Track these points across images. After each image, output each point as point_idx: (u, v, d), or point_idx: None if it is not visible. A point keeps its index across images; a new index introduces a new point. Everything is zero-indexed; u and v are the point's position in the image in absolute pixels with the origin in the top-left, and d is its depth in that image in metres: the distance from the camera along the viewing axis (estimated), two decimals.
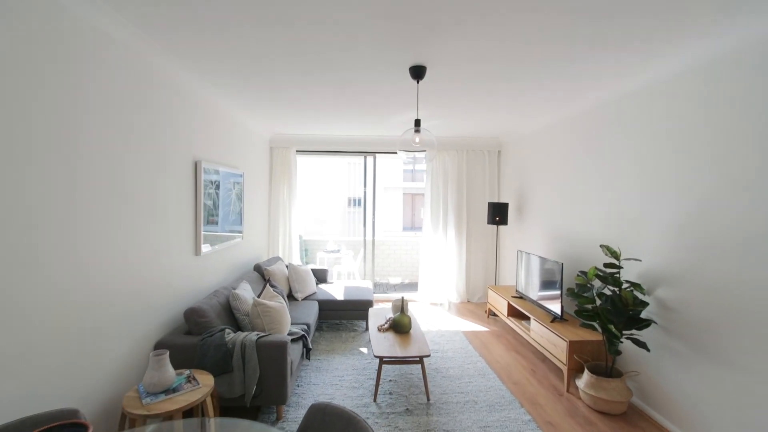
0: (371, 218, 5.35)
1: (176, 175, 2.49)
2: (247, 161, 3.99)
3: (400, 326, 2.96)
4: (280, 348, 2.25)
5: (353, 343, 3.61)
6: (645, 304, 2.31)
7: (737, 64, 1.93)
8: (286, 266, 4.08)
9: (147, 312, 2.21)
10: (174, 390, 1.82)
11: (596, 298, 2.54)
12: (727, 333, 1.95)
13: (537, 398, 2.63)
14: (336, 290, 4.15)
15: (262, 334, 2.35)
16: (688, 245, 2.19)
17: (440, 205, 5.05)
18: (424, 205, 5.16)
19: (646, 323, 2.29)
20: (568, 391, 2.70)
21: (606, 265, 2.46)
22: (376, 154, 5.16)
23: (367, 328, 3.93)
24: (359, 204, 17.35)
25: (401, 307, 3.10)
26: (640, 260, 2.42)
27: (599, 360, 2.71)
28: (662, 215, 2.37)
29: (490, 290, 4.36)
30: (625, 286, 2.48)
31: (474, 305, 4.99)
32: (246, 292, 2.84)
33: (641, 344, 2.29)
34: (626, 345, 2.64)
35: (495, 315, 4.45)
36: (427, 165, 5.09)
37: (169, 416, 1.70)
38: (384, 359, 2.61)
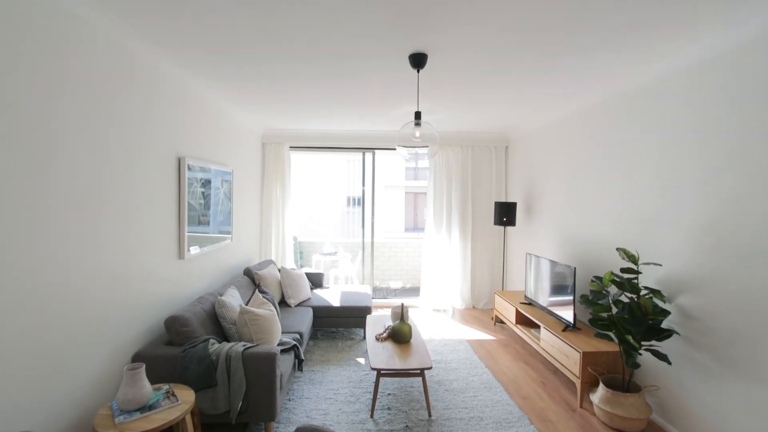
0: (370, 218, 5.27)
1: (157, 172, 2.42)
2: (236, 158, 3.93)
3: (399, 335, 2.89)
4: (269, 360, 2.18)
5: (350, 352, 3.54)
6: (666, 313, 2.23)
7: (766, 52, 1.85)
8: (279, 270, 4.02)
9: (125, 321, 2.14)
10: (150, 407, 1.75)
11: (612, 305, 2.46)
12: (757, 344, 1.87)
13: (548, 414, 2.56)
14: (332, 296, 4.08)
15: (249, 344, 2.28)
16: (712, 247, 2.11)
17: (444, 205, 4.98)
18: (426, 205, 5.08)
19: (667, 334, 2.21)
20: (581, 406, 2.62)
21: (623, 270, 2.38)
22: (376, 151, 5.10)
23: (365, 337, 3.86)
24: (359, 203, 17.33)
25: (401, 315, 3.03)
26: (660, 265, 2.34)
27: (616, 373, 2.64)
28: (684, 215, 2.29)
29: (496, 296, 4.28)
30: (643, 292, 2.40)
31: (479, 312, 4.92)
32: (233, 299, 2.77)
33: (662, 356, 2.21)
34: (645, 357, 2.56)
35: (502, 322, 4.38)
36: (429, 162, 5.02)
37: None
38: (382, 372, 2.54)
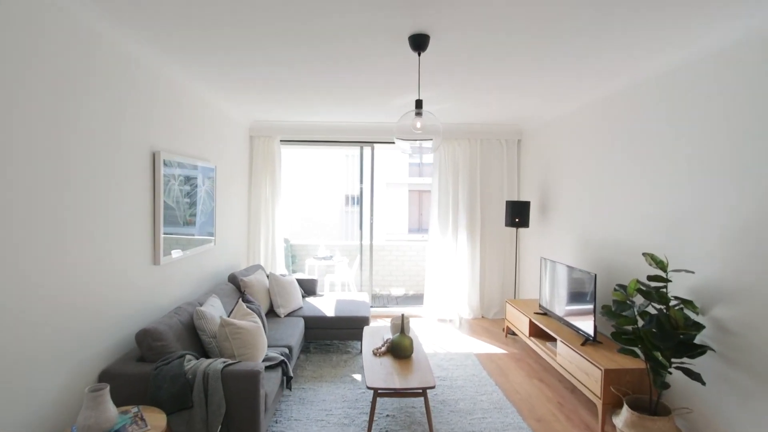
0: (369, 219, 5.20)
1: (129, 168, 2.35)
2: (220, 152, 3.87)
3: (399, 350, 2.82)
4: (251, 378, 2.11)
5: (345, 368, 3.46)
6: (699, 327, 2.14)
7: None
8: (267, 276, 3.95)
9: (91, 334, 2.07)
10: None
11: (638, 317, 2.37)
12: None
13: None
14: (326, 304, 4.01)
15: (230, 361, 2.21)
16: (752, 252, 2.02)
17: (449, 204, 4.91)
18: (430, 204, 5.01)
19: (700, 350, 2.12)
20: (603, 430, 2.54)
21: (650, 278, 2.30)
22: (375, 144, 5.02)
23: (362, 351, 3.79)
24: (358, 203, 17.25)
25: (401, 327, 2.95)
26: (693, 272, 2.26)
27: (642, 393, 2.55)
28: (719, 215, 2.21)
29: (508, 305, 4.21)
30: (673, 303, 2.32)
31: (489, 322, 4.85)
32: (214, 309, 2.71)
33: (694, 376, 2.12)
34: (675, 376, 2.48)
35: (514, 334, 4.31)
36: (433, 157, 4.95)
37: None
38: (379, 391, 2.46)
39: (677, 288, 2.46)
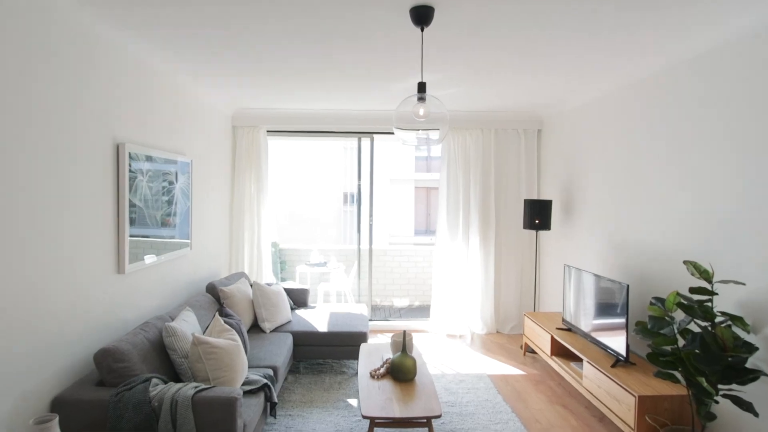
0: (368, 220, 5.13)
1: (87, 162, 2.29)
2: (197, 145, 3.82)
3: (400, 371, 2.75)
4: (227, 406, 2.04)
5: (339, 391, 3.40)
6: (751, 348, 2.05)
7: None
8: (251, 285, 3.89)
9: (43, 355, 2.01)
10: None
11: (678, 336, 2.29)
12: None
13: None
14: (318, 318, 3.94)
15: (203, 386, 2.14)
16: None
17: (460, 203, 4.84)
18: (438, 203, 4.94)
19: (752, 375, 2.03)
20: None
21: (692, 290, 2.21)
22: (374, 135, 4.95)
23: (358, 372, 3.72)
24: (358, 201, 17.09)
25: (403, 345, 2.88)
26: (743, 283, 2.17)
27: (682, 424, 2.48)
28: None
29: (526, 318, 4.13)
30: (720, 319, 2.23)
31: (505, 338, 4.78)
32: (188, 324, 2.65)
33: (745, 405, 2.03)
34: (723, 405, 2.40)
35: (533, 352, 4.23)
36: (441, 150, 4.88)
37: None
38: (376, 421, 2.38)
39: (725, 302, 2.38)
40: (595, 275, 3.26)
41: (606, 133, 3.65)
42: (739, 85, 2.34)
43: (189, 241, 3.58)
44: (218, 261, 4.43)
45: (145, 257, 2.87)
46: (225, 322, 2.78)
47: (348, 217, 15.87)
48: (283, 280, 6.30)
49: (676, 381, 2.31)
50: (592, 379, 2.96)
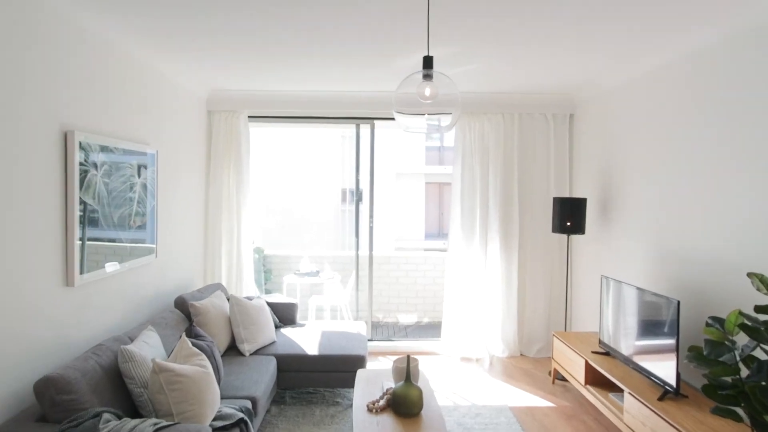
0: (368, 222, 5.06)
1: (28, 154, 2.25)
2: (165, 134, 3.79)
3: (403, 404, 2.68)
4: None
5: (332, 426, 3.36)
6: None
7: None
8: (228, 299, 3.83)
9: None
10: None
11: (741, 365, 2.19)
12: None
13: None
14: (308, 338, 3.89)
15: (164, 422, 2.09)
16: None
17: (477, 202, 4.80)
18: (451, 203, 4.87)
19: None
20: None
21: (759, 309, 2.13)
22: (375, 121, 4.89)
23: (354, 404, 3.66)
24: (360, 198, 16.95)
25: (406, 372, 2.81)
26: None
27: None
28: None
29: (556, 339, 4.06)
30: None
31: (531, 362, 4.72)
32: (149, 347, 2.60)
33: None
34: None
35: (564, 380, 4.16)
36: (453, 137, 4.81)
37: None
38: None
39: None
40: (639, 289, 3.18)
41: (653, 119, 3.56)
42: None
43: (154, 246, 3.54)
44: (190, 270, 4.38)
45: (101, 267, 2.83)
46: (193, 344, 2.72)
47: (347, 217, 15.82)
48: (267, 292, 6.26)
49: (739, 419, 2.21)
50: (634, 414, 2.88)
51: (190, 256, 4.37)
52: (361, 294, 5.61)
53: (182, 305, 3.54)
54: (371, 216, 5.06)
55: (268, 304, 4.26)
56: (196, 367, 2.41)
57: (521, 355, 4.88)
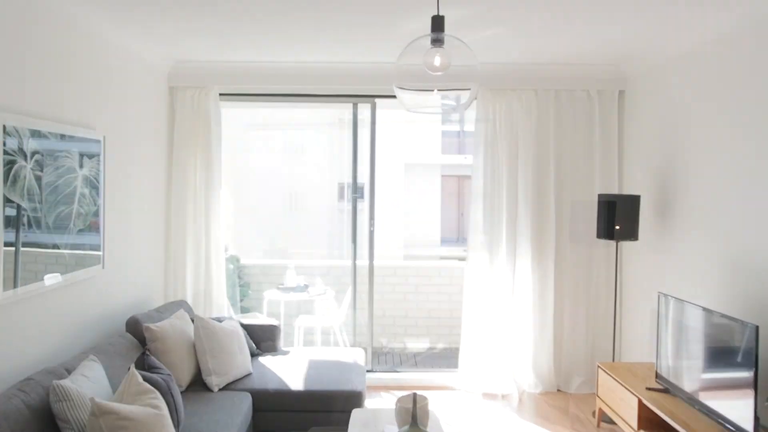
0: (369, 224, 4.99)
1: None
2: (113, 115, 3.74)
3: None
4: None
5: None
6: None
7: None
8: (193, 320, 3.78)
9: None
10: None
11: None
12: None
13: None
14: (292, 369, 3.85)
15: None
16: None
17: (503, 201, 4.76)
18: (472, 201, 4.80)
19: None
20: None
21: None
22: (377, 100, 4.82)
23: None
24: (360, 195, 16.70)
25: (412, 413, 2.75)
26: None
27: None
28: None
29: (601, 372, 3.99)
30: None
31: (570, 399, 4.67)
32: (89, 383, 2.56)
33: None
34: None
35: (612, 422, 4.07)
36: (470, 120, 4.75)
37: None
38: None
39: None
40: (706, 310, 3.10)
41: (727, 97, 3.47)
42: None
43: (100, 254, 3.49)
44: (147, 284, 4.34)
45: (39, 279, 2.80)
46: (145, 378, 2.66)
47: (345, 219, 15.70)
48: (244, 311, 6.20)
49: None
50: None
51: (147, 266, 4.33)
52: (360, 313, 5.54)
53: (135, 328, 3.49)
54: (372, 218, 4.99)
55: (244, 326, 4.21)
56: (148, 408, 2.36)
57: (558, 390, 4.82)
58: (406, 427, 2.74)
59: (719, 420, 2.90)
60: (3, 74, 2.59)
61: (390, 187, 15.79)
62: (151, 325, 3.44)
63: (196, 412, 3.16)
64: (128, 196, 3.94)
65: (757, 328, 2.69)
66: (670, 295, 3.53)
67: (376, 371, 5.05)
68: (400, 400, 2.94)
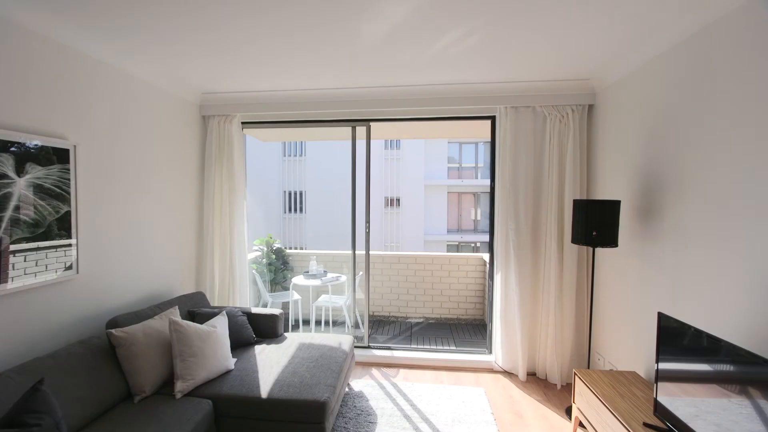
0: (365, 224, 3.33)
1: None
2: (89, 126, 2.23)
3: None
4: None
5: None
6: None
7: None
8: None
9: None
10: None
11: None
12: None
13: None
14: (273, 362, 2.28)
15: None
16: None
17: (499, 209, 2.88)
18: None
19: None
20: None
21: None
22: (371, 123, 3.15)
23: None
24: (396, 204, 14.94)
25: None
26: None
27: None
28: None
29: (578, 380, 2.14)
30: None
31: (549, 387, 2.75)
32: None
33: None
34: None
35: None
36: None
37: None
38: None
39: None
40: (711, 337, 1.25)
41: (705, 94, 1.57)
42: None
43: (72, 246, 2.02)
44: (172, 276, 2.86)
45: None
46: (20, 421, 1.11)
47: (386, 220, 14.14)
48: (285, 289, 4.63)
49: None
50: None
51: (172, 261, 2.86)
52: (374, 293, 3.86)
53: (110, 332, 1.99)
54: (368, 221, 3.31)
55: (249, 316, 2.67)
56: None
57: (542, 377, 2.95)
58: None
59: None
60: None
61: (414, 199, 14.30)
62: (115, 331, 1.93)
63: (127, 422, 1.61)
64: (142, 205, 2.48)
65: None
66: (673, 317, 1.67)
67: (371, 347, 3.35)
68: None
